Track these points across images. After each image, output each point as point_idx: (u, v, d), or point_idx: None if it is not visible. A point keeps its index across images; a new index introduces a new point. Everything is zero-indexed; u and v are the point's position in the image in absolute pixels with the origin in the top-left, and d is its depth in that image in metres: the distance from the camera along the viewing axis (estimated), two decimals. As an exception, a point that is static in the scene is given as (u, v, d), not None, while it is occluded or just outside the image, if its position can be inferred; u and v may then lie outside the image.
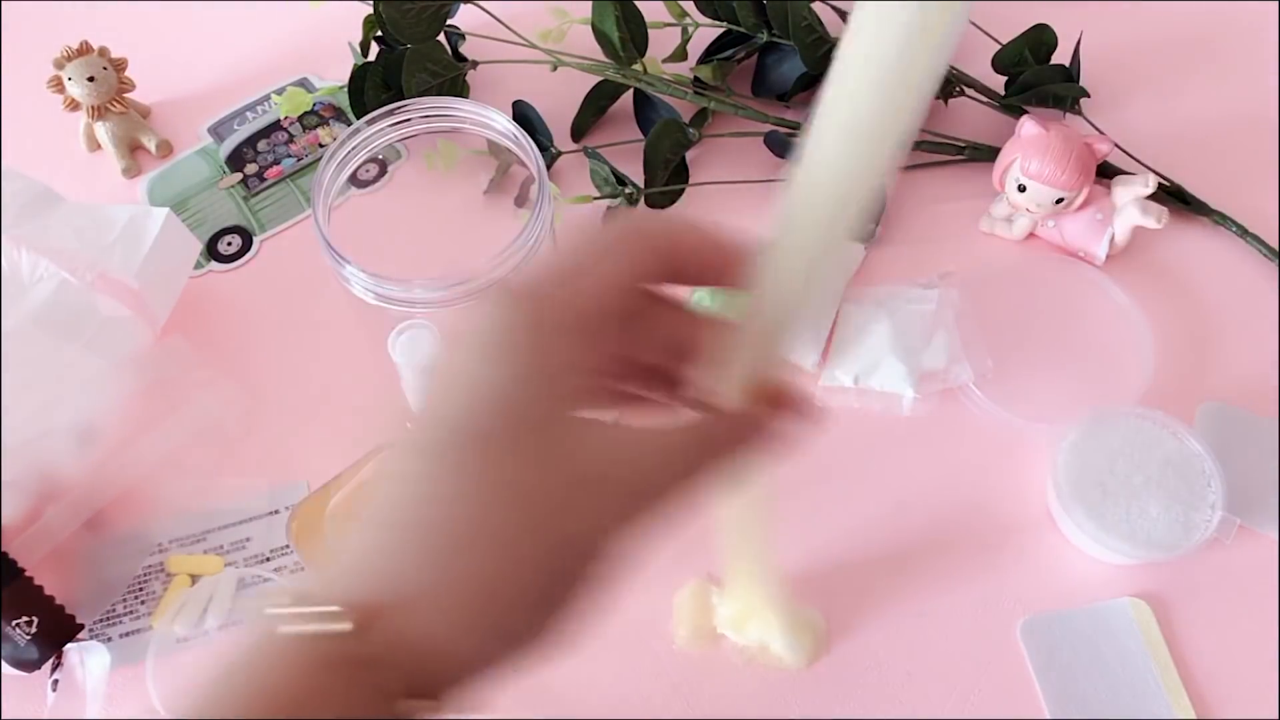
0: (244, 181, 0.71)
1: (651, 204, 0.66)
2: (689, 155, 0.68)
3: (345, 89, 0.69)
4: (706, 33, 0.70)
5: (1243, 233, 0.64)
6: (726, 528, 0.45)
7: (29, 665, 0.51)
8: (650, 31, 0.67)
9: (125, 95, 0.71)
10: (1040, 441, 0.57)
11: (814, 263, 0.31)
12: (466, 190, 0.68)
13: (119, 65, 0.71)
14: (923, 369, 0.59)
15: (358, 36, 0.70)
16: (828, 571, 0.54)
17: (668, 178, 0.66)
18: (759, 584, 0.48)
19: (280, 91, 0.71)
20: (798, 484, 0.58)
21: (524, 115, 0.69)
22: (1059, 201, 0.61)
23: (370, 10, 0.67)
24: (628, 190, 0.64)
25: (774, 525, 0.44)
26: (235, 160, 0.72)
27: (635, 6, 0.66)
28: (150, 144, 0.72)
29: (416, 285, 0.48)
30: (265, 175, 0.71)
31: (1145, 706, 0.50)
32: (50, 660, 0.51)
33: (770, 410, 0.31)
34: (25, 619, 0.50)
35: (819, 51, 0.66)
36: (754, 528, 0.45)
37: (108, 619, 0.55)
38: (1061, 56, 0.67)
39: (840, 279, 0.62)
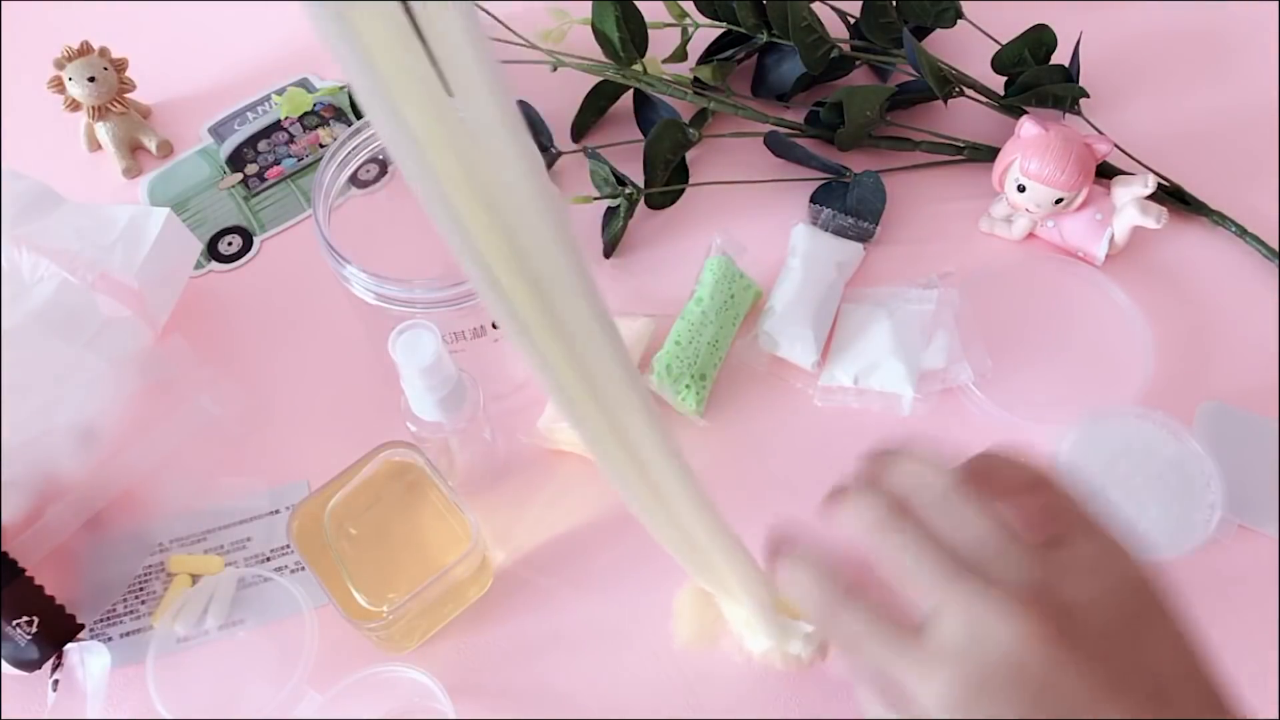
0: (244, 181, 0.71)
1: (651, 204, 0.66)
2: (689, 155, 0.68)
3: (345, 89, 0.69)
4: (706, 33, 0.70)
5: (1242, 233, 0.64)
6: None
7: (29, 665, 0.51)
8: (650, 31, 0.67)
9: (126, 95, 0.71)
10: (1040, 441, 0.57)
11: None
12: (466, 190, 0.68)
13: (119, 65, 0.71)
14: (923, 369, 0.59)
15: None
16: (828, 571, 0.54)
17: (668, 178, 0.66)
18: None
19: (280, 92, 0.71)
20: (798, 484, 0.58)
21: (524, 115, 0.69)
22: (1058, 202, 0.61)
23: (370, 10, 0.67)
24: (628, 190, 0.64)
25: None
26: (236, 160, 0.72)
27: (635, 6, 0.66)
28: (151, 144, 0.72)
29: (416, 285, 0.49)
30: (266, 175, 0.71)
31: (1145, 706, 0.50)
32: (50, 660, 0.52)
33: None
34: (25, 619, 0.50)
35: (819, 52, 0.66)
36: None
37: (108, 619, 0.55)
38: (1061, 57, 0.67)
39: (840, 279, 0.62)
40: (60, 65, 0.69)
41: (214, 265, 0.67)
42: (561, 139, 0.70)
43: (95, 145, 0.73)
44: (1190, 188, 0.65)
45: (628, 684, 0.52)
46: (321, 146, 0.72)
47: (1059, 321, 0.62)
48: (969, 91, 0.68)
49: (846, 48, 0.69)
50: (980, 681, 0.31)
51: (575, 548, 0.56)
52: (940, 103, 0.67)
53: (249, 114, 0.74)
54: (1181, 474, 0.54)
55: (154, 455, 0.56)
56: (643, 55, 0.68)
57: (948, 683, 0.32)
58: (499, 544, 0.56)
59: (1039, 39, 0.66)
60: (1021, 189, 0.61)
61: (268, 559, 0.56)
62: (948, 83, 0.66)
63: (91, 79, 0.69)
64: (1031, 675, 0.31)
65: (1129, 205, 0.61)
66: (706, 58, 0.71)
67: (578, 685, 0.52)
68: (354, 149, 0.53)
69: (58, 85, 0.70)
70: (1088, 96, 0.67)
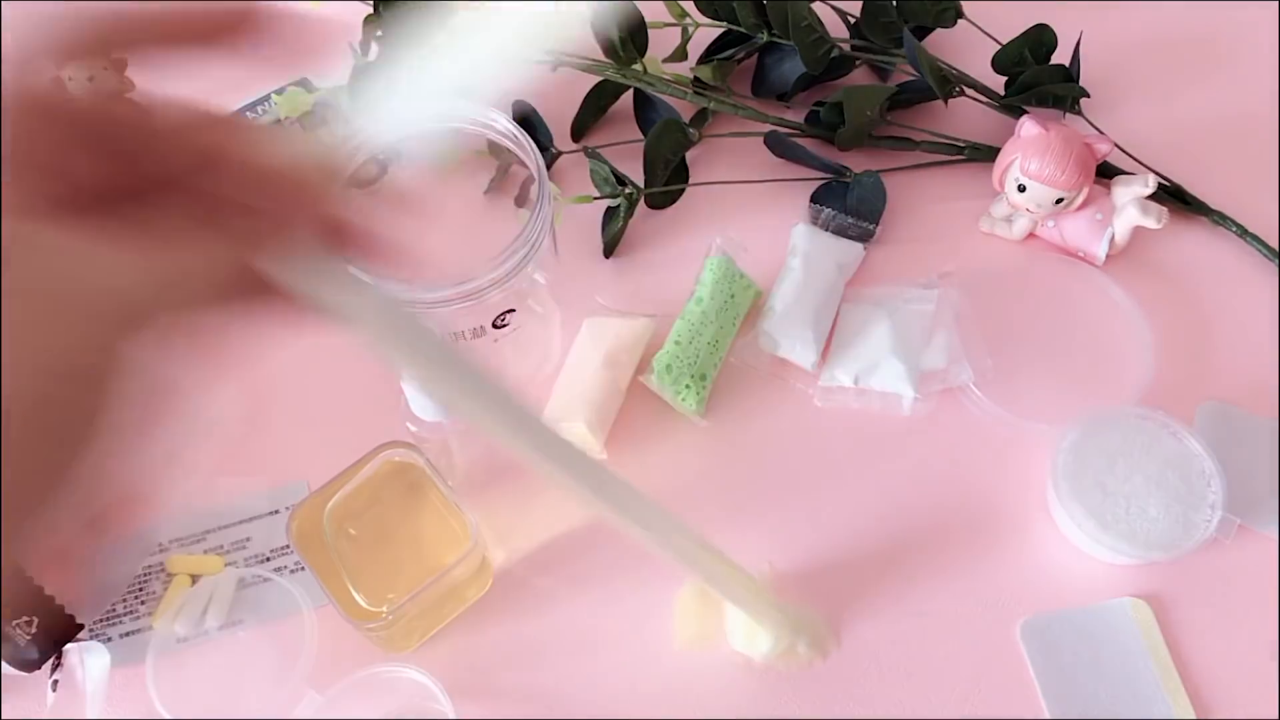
0: (244, 181, 0.71)
1: (651, 204, 0.66)
2: (689, 155, 0.68)
3: (345, 89, 0.69)
4: (706, 33, 0.70)
5: (1242, 233, 0.64)
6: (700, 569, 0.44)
7: (29, 665, 0.51)
8: (650, 31, 0.67)
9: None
10: (1040, 441, 0.57)
11: None
12: (466, 190, 0.68)
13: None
14: (923, 369, 0.59)
15: (358, 36, 0.70)
16: (828, 571, 0.55)
17: (668, 178, 0.66)
18: (755, 598, 0.48)
19: (280, 91, 0.71)
20: (798, 484, 0.58)
21: (524, 115, 0.69)
22: (1059, 201, 0.61)
23: (370, 10, 0.67)
24: (628, 190, 0.64)
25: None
26: (235, 160, 0.72)
27: (635, 6, 0.66)
28: (150, 144, 0.72)
29: (416, 285, 0.48)
30: (265, 175, 0.71)
31: (1145, 706, 0.50)
32: (50, 660, 0.51)
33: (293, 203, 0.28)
34: (25, 619, 0.50)
35: (819, 51, 0.66)
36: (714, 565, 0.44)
37: (108, 619, 0.55)
38: (1061, 56, 0.67)
39: (840, 279, 0.62)
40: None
41: (214, 265, 0.67)
42: (561, 139, 0.70)
43: (95, 145, 0.72)
44: (1190, 188, 0.65)
45: (628, 684, 0.52)
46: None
47: (1059, 321, 0.62)
48: (969, 91, 0.68)
49: (846, 47, 0.69)
50: None
51: (575, 548, 0.56)
52: (940, 103, 0.67)
53: (249, 114, 0.74)
54: (1181, 474, 0.54)
55: (154, 455, 0.56)
56: (643, 55, 0.68)
57: None
58: (499, 544, 0.56)
59: (1039, 39, 0.66)
60: (1022, 189, 0.61)
61: (268, 559, 0.56)
62: (948, 82, 0.66)
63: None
64: None
65: (1129, 205, 0.61)
66: (706, 58, 0.71)
67: (578, 685, 0.52)
68: (354, 149, 0.53)
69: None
70: (1088, 96, 0.67)
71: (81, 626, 0.52)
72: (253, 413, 0.60)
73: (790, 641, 0.50)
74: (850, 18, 0.71)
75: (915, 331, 0.60)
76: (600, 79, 0.69)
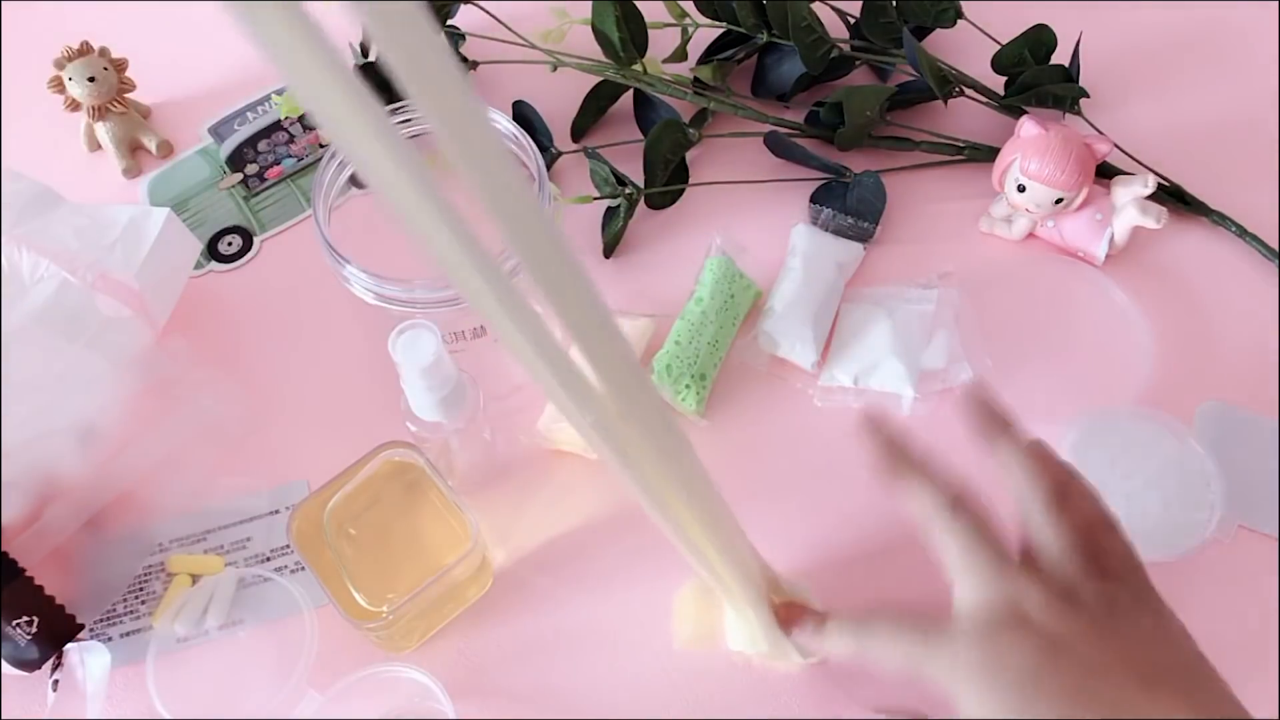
0: (244, 181, 0.71)
1: (651, 204, 0.66)
2: (689, 155, 0.68)
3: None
4: (706, 33, 0.70)
5: (1242, 233, 0.64)
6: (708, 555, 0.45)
7: (29, 665, 0.51)
8: (650, 31, 0.67)
9: (126, 95, 0.71)
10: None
11: None
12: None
13: (120, 65, 0.71)
14: (922, 369, 0.59)
15: (358, 37, 0.70)
16: (827, 571, 0.54)
17: (668, 178, 0.66)
18: (753, 595, 0.48)
19: (281, 92, 0.71)
20: (798, 484, 0.58)
21: (524, 115, 0.69)
22: (1058, 202, 0.61)
23: (370, 10, 0.67)
24: (628, 190, 0.64)
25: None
26: (236, 160, 0.72)
27: (635, 6, 0.66)
28: (151, 144, 0.72)
29: (416, 285, 0.49)
30: (266, 175, 0.71)
31: (1145, 706, 0.50)
32: (50, 660, 0.52)
33: None
34: (25, 619, 0.50)
35: (819, 52, 0.66)
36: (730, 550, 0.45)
37: (108, 619, 0.55)
38: (1061, 57, 0.67)
39: (840, 279, 0.62)
40: (60, 65, 0.69)
41: (214, 265, 0.67)
42: (561, 139, 0.70)
43: (95, 145, 0.73)
44: (1190, 188, 0.66)
45: (628, 684, 0.52)
46: (321, 146, 0.72)
47: (1059, 321, 0.62)
48: (969, 91, 0.68)
49: (846, 48, 0.69)
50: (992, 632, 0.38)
51: (575, 548, 0.56)
52: (940, 103, 0.67)
53: (249, 114, 0.74)
54: (1181, 474, 0.54)
55: (154, 455, 0.56)
56: (643, 55, 0.68)
57: (967, 647, 0.39)
58: (499, 544, 0.56)
59: (1039, 39, 0.66)
60: (1021, 189, 0.61)
61: (268, 559, 0.56)
62: (948, 83, 0.66)
63: (92, 79, 0.69)
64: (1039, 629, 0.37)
65: (1129, 205, 0.61)
66: (706, 58, 0.71)
67: (578, 685, 0.52)
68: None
69: (58, 85, 0.70)
70: (1088, 96, 0.67)
71: (82, 626, 0.52)
72: (253, 413, 0.60)
73: (780, 638, 0.50)
74: (850, 18, 0.71)
75: (915, 331, 0.60)
76: (600, 79, 0.69)
